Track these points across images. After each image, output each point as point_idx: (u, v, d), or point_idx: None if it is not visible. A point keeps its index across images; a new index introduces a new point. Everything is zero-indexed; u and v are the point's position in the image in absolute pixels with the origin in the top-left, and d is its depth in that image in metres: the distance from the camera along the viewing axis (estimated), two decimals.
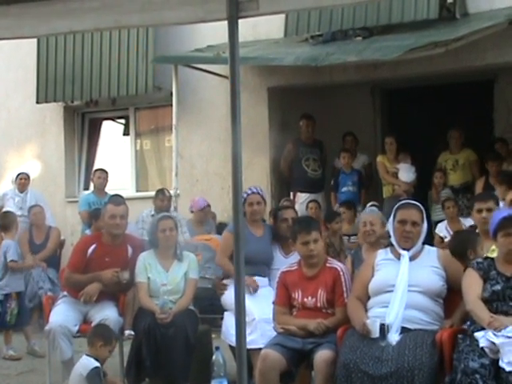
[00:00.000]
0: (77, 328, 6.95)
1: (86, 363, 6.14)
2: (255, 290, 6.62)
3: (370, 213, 6.98)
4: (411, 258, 5.40)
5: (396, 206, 5.62)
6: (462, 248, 5.59)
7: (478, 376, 4.70)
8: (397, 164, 10.39)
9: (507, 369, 4.66)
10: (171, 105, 10.64)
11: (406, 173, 10.31)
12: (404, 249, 5.42)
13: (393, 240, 5.51)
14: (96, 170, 11.47)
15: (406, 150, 10.45)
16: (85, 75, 11.75)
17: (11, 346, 8.70)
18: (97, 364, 6.08)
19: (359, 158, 10.95)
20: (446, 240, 8.65)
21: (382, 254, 5.57)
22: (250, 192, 7.04)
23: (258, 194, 7.11)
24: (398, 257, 5.43)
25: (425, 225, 5.52)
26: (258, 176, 10.80)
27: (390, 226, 5.59)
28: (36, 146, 12.53)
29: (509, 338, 4.75)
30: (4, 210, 10.33)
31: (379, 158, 10.57)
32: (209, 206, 10.35)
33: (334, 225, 9.00)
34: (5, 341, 8.71)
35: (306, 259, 5.83)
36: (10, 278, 8.65)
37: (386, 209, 8.81)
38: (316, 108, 11.11)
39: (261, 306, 6.53)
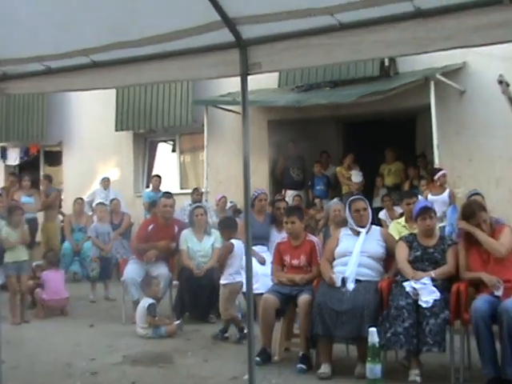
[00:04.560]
0: (141, 279, 6.95)
1: (147, 300, 6.18)
2: (263, 262, 6.55)
3: (337, 203, 7.00)
4: None
5: (349, 200, 5.55)
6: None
7: (404, 310, 4.70)
8: (350, 171, 10.39)
9: (424, 305, 4.69)
10: (203, 132, 10.69)
11: (356, 176, 10.31)
12: (360, 227, 5.37)
13: (351, 223, 5.43)
14: (153, 176, 11.53)
15: (356, 161, 10.46)
16: (147, 112, 11.73)
17: (94, 292, 8.60)
18: (153, 301, 6.11)
19: (331, 169, 10.93)
20: (387, 223, 8.63)
21: (344, 231, 5.52)
22: (260, 192, 7.08)
23: (265, 193, 7.20)
24: (355, 233, 5.37)
25: (369, 210, 5.49)
26: (260, 179, 10.78)
27: (347, 214, 5.53)
28: (115, 160, 12.51)
29: (424, 284, 4.77)
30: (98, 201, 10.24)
31: (338, 169, 10.52)
32: (224, 197, 10.22)
33: (311, 211, 9.03)
34: (91, 288, 8.62)
35: (288, 233, 5.79)
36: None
37: (345, 201, 8.76)
38: (299, 134, 11.08)
39: (262, 264, 6.54)
